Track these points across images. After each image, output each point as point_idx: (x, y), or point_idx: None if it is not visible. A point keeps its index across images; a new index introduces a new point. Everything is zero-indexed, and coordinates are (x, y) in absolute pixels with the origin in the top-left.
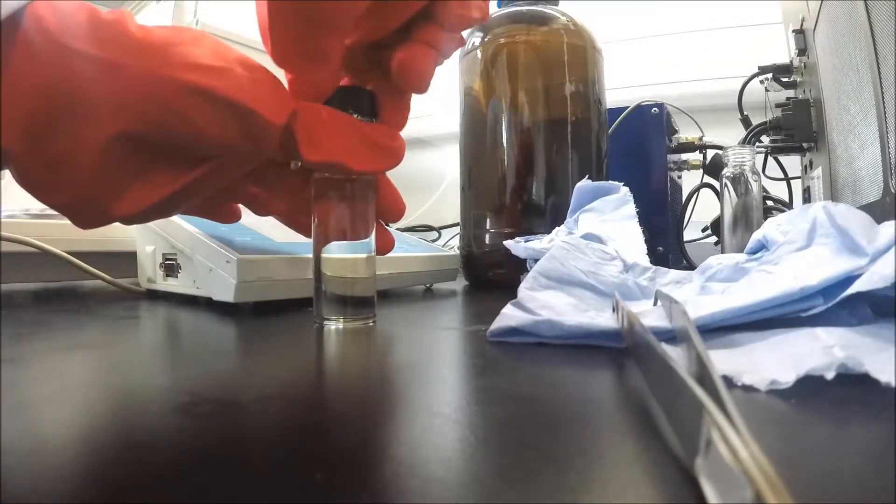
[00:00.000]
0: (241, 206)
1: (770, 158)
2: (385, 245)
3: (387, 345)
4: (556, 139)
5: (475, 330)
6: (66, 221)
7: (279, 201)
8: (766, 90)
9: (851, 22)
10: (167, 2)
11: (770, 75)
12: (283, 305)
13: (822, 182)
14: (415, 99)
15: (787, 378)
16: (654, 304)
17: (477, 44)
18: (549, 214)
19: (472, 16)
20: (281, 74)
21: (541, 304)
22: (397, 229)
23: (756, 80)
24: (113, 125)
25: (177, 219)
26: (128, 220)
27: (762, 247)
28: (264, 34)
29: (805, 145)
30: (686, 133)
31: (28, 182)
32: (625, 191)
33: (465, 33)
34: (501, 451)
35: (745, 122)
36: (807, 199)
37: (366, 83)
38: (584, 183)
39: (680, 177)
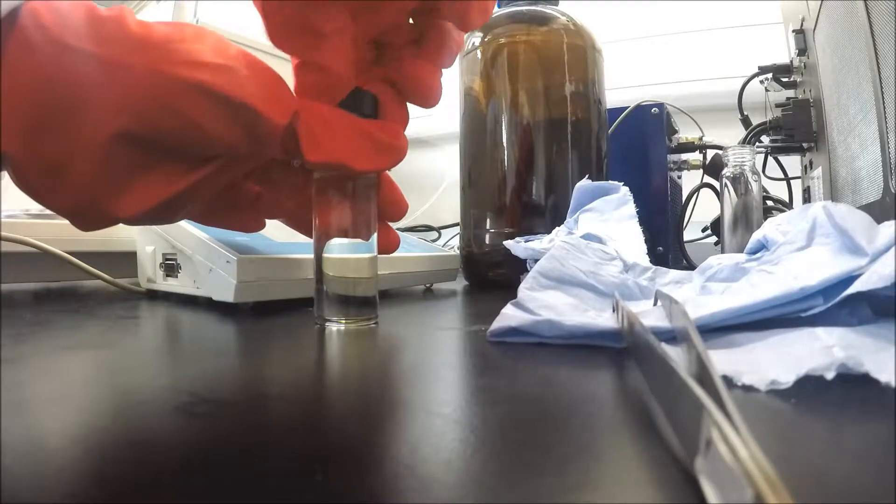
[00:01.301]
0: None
1: (770, 158)
2: (389, 244)
3: (386, 345)
4: (556, 139)
5: (475, 330)
6: (66, 221)
7: (285, 199)
8: (766, 90)
9: (851, 22)
10: (167, 1)
11: (770, 75)
12: (283, 305)
13: (822, 182)
14: None
15: (787, 378)
16: (654, 304)
17: (477, 44)
18: (549, 214)
19: (480, 21)
20: (284, 74)
21: (541, 304)
22: (397, 229)
23: (756, 80)
24: (112, 124)
25: None
26: (131, 222)
27: (762, 247)
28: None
29: (805, 145)
30: (686, 133)
31: (28, 186)
32: (625, 191)
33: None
34: (501, 451)
35: (745, 122)
36: (807, 199)
37: (369, 82)
38: (584, 183)
39: (680, 177)
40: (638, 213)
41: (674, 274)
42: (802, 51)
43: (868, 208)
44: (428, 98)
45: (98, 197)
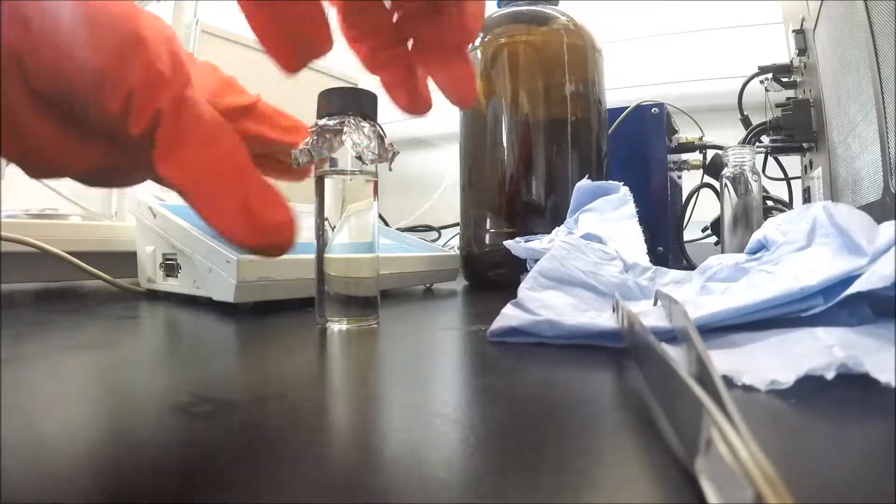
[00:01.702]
0: None
1: (770, 158)
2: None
3: (387, 344)
4: (556, 139)
5: (475, 330)
6: (66, 221)
7: None
8: (766, 90)
9: (851, 22)
10: (167, 2)
11: (770, 75)
12: (283, 305)
13: (822, 182)
14: None
15: (787, 378)
16: (654, 304)
17: (477, 44)
18: (549, 214)
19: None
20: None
21: (541, 304)
22: (397, 230)
23: (756, 80)
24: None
25: (177, 219)
26: (83, 180)
27: (762, 247)
28: None
29: (805, 145)
30: (686, 133)
31: None
32: (625, 191)
33: None
34: (501, 451)
35: (745, 122)
36: (807, 199)
37: (393, 62)
38: (584, 183)
39: (680, 177)
40: (638, 213)
41: (674, 274)
42: (802, 51)
43: (868, 208)
44: (466, 100)
45: (42, 147)
